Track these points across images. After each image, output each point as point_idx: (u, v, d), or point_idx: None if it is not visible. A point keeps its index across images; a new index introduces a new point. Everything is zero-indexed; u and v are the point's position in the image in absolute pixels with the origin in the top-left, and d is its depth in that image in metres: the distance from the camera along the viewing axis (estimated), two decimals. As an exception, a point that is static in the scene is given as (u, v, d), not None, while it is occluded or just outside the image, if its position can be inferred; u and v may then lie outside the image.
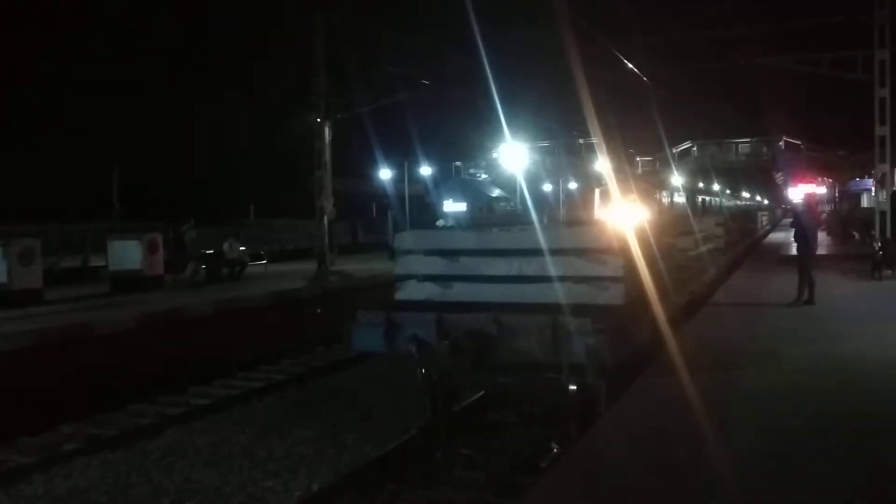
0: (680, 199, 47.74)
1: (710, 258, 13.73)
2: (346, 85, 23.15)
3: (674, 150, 46.27)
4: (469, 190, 47.64)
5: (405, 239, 8.82)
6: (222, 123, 36.66)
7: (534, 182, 43.36)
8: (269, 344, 15.11)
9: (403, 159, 33.10)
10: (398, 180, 33.16)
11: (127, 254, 17.87)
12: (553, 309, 7.28)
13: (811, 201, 17.48)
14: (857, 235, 28.24)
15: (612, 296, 7.43)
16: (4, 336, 11.31)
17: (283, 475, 8.16)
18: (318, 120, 21.76)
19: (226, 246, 20.31)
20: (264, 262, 21.92)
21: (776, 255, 22.77)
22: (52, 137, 34.32)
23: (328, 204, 21.48)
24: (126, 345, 12.86)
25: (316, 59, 21.92)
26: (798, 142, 45.14)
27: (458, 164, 48.64)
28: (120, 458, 8.89)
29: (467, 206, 43.61)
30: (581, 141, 41.63)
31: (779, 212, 77.69)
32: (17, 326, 12.07)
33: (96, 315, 13.24)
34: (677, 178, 45.01)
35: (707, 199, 56.39)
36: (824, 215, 40.16)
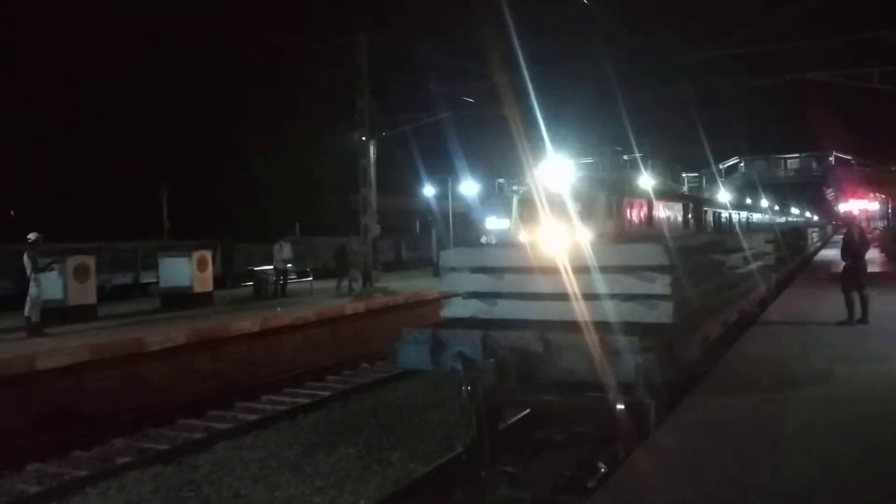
0: (728, 215, 42.53)
1: (760, 275, 13.50)
2: (390, 103, 23.43)
3: (720, 166, 45.68)
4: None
5: (450, 256, 8.86)
6: (267, 142, 37.23)
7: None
8: (313, 360, 15.25)
9: (447, 176, 33.21)
10: (442, 197, 33.25)
11: (177, 271, 18.24)
12: (600, 327, 7.23)
13: (855, 218, 17.31)
14: None
15: (661, 314, 7.35)
16: (60, 350, 11.63)
17: (329, 491, 8.21)
18: (363, 138, 22.02)
19: (276, 246, 20.61)
20: (310, 278, 22.16)
21: (827, 272, 22.29)
22: (104, 158, 35.21)
23: (372, 221, 21.69)
24: (175, 360, 13.13)
25: (360, 78, 22.22)
26: (849, 157, 44.15)
27: (501, 181, 48.70)
28: (171, 471, 9.03)
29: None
30: (625, 157, 41.31)
31: (829, 228, 76.09)
32: (73, 341, 12.41)
33: (147, 331, 13.53)
34: (724, 194, 44.33)
35: (755, 215, 54.52)
36: (877, 231, 39.15)
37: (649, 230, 25.43)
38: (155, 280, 20.30)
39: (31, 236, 13.77)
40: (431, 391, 12.24)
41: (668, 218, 29.71)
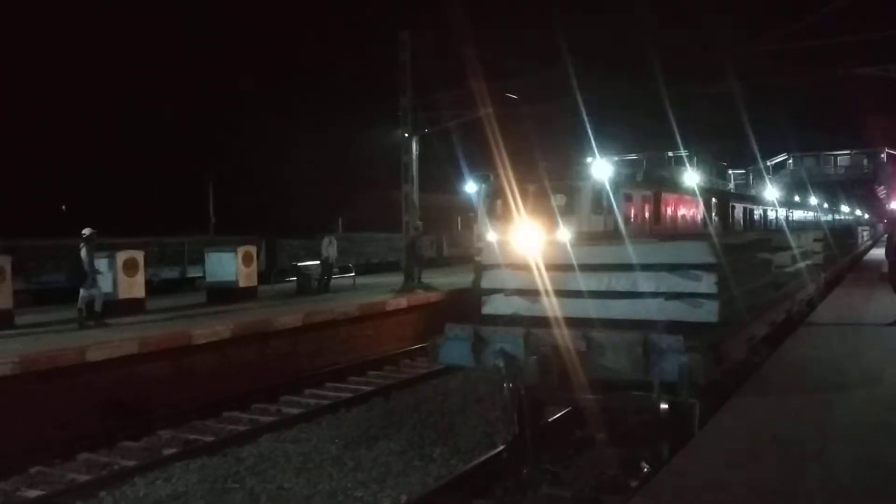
0: (762, 212, 39.69)
1: (809, 275, 13.23)
2: (432, 100, 23.43)
3: (768, 163, 44.86)
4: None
5: (493, 253, 8.85)
6: (310, 138, 37.61)
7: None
8: (354, 355, 15.37)
9: (489, 173, 33.20)
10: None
11: (222, 266, 18.52)
12: (644, 325, 7.17)
13: None
14: None
15: (707, 313, 7.25)
16: (109, 343, 11.90)
17: (371, 485, 8.27)
18: (406, 135, 22.06)
19: (325, 241, 20.84)
20: (352, 274, 22.32)
21: (878, 271, 21.74)
22: (153, 155, 35.92)
23: (414, 218, 21.72)
24: (221, 353, 13.35)
25: (403, 75, 22.25)
26: (901, 153, 43.04)
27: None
28: (216, 463, 9.18)
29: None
30: (670, 154, 40.81)
31: (880, 227, 74.18)
32: (121, 334, 12.69)
33: (193, 324, 13.77)
34: (771, 192, 43.52)
35: (797, 212, 53.07)
36: None
37: (656, 229, 22.58)
38: (201, 275, 20.65)
39: (86, 232, 14.17)
40: (473, 387, 12.25)
41: (684, 214, 26.27)
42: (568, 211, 18.68)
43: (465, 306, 10.42)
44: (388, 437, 10.03)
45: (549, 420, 9.17)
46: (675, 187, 28.98)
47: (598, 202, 19.55)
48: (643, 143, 40.28)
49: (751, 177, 47.51)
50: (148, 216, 30.02)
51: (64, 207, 39.79)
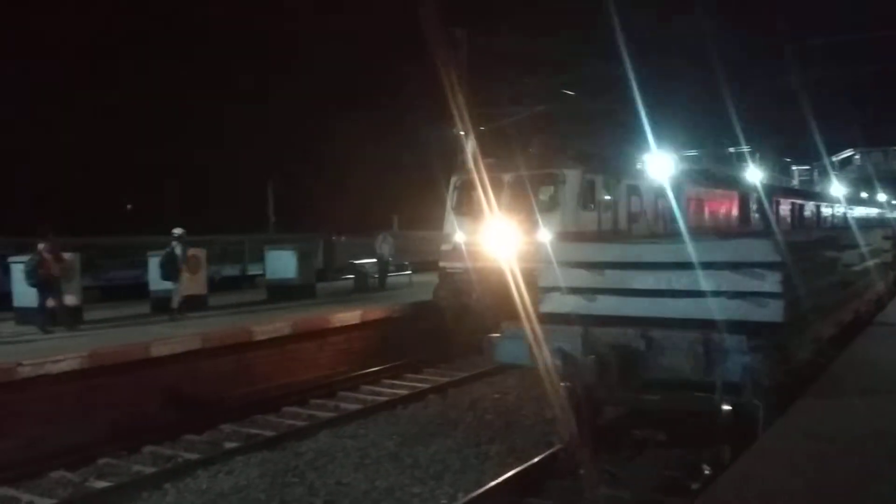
0: (814, 209, 35.67)
1: (877, 273, 12.80)
2: (488, 97, 23.39)
3: (833, 159, 43.58)
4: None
5: (549, 250, 8.79)
6: (367, 137, 37.89)
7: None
8: (410, 352, 15.44)
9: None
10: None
11: (282, 263, 18.82)
12: (705, 325, 7.03)
13: None
14: None
15: (771, 312, 7.07)
16: (173, 338, 12.22)
17: (428, 482, 8.31)
18: (461, 132, 22.08)
19: (379, 238, 21.04)
20: (409, 272, 22.42)
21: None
22: (215, 155, 36.69)
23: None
24: (281, 349, 13.57)
25: (459, 73, 22.27)
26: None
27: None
28: (276, 457, 9.33)
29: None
30: (731, 150, 39.91)
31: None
32: (186, 330, 13.03)
33: (254, 321, 14.04)
34: (837, 188, 42.24)
35: (859, 209, 51.02)
36: None
37: (671, 227, 18.77)
38: (261, 272, 21.02)
39: (178, 231, 14.94)
40: (529, 386, 12.19)
41: (713, 211, 22.51)
42: (550, 206, 15.55)
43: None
44: (444, 435, 10.06)
45: (608, 420, 9.07)
46: (705, 179, 24.57)
47: (589, 195, 16.12)
48: (704, 139, 39.46)
49: (815, 173, 46.21)
50: (209, 215, 30.68)
51: (129, 206, 40.97)
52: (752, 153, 36.83)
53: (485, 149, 18.27)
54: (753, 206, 25.54)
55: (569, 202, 15.59)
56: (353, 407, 11.73)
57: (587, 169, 16.17)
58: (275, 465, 9.04)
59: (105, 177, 35.16)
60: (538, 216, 14.86)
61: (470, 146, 18.46)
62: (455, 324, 15.29)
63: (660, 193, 18.89)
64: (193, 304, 15.80)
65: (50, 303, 13.85)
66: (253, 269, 22.89)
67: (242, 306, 16.80)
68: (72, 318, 14.07)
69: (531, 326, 7.93)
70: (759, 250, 7.31)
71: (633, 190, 17.87)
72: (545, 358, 7.68)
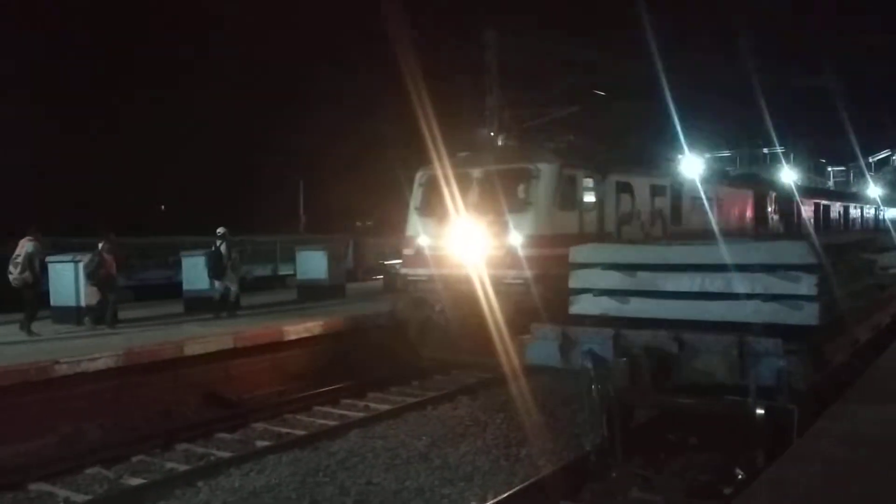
0: (841, 210, 31.86)
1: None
2: (518, 99, 23.37)
3: (870, 160, 42.88)
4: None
5: (581, 252, 8.76)
6: (398, 138, 38.02)
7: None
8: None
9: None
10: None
11: (313, 264, 18.96)
12: (739, 328, 6.97)
13: None
14: None
15: (806, 315, 6.99)
16: (206, 337, 12.36)
17: (458, 483, 8.31)
18: (492, 134, 22.10)
19: None
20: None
21: None
22: (246, 158, 37.11)
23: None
24: (312, 349, 13.67)
25: (489, 75, 22.30)
26: None
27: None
28: (308, 456, 9.39)
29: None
30: (765, 151, 39.42)
31: None
32: (218, 329, 13.17)
33: (286, 321, 14.17)
34: (872, 189, 41.51)
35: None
36: None
37: (675, 230, 16.93)
38: (292, 272, 21.18)
39: (221, 230, 15.29)
40: (560, 388, 12.14)
41: (724, 211, 20.23)
42: (521, 205, 13.61)
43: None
44: (474, 436, 10.05)
45: (639, 423, 9.01)
46: (714, 176, 22.38)
47: (568, 193, 14.06)
48: (738, 140, 39.03)
49: (851, 174, 45.50)
50: (241, 215, 31.01)
51: (163, 207, 41.53)
52: (785, 154, 36.36)
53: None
54: (772, 207, 23.39)
55: (543, 201, 13.54)
56: (383, 407, 11.77)
57: (565, 163, 14.12)
58: (306, 465, 9.10)
59: (139, 178, 35.70)
60: (507, 217, 13.24)
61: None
62: (419, 339, 13.94)
63: (657, 192, 16.83)
64: (226, 304, 16.00)
65: (111, 297, 14.52)
66: (284, 270, 23.08)
67: (274, 306, 16.96)
68: (111, 317, 14.39)
69: (562, 328, 7.91)
70: (794, 252, 7.23)
71: (624, 188, 15.67)
72: (576, 360, 7.66)
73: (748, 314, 7.16)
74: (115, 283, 14.67)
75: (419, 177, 15.23)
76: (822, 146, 42.54)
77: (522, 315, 11.63)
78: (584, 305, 8.55)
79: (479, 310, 12.53)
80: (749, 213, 21.81)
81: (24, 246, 13.64)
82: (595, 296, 8.44)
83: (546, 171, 13.68)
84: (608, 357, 7.38)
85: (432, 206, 14.53)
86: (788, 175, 32.35)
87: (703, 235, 15.75)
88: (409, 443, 9.88)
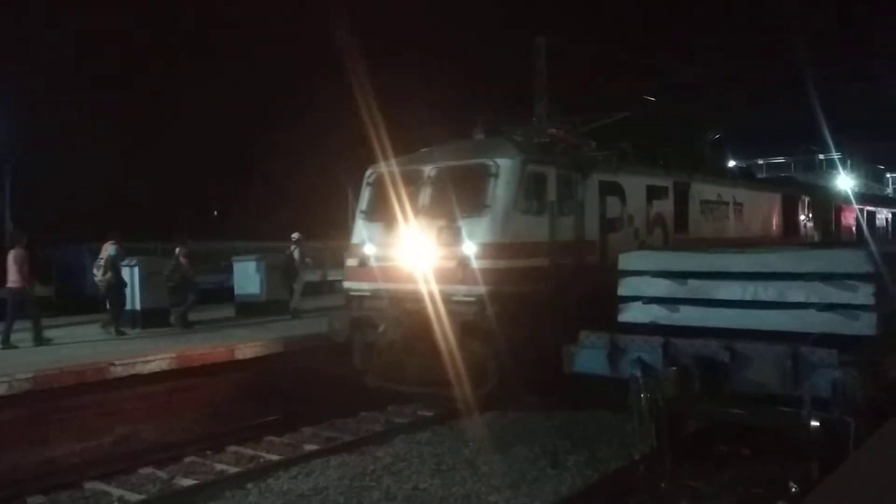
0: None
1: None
2: (568, 105, 23.28)
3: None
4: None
5: (631, 259, 8.68)
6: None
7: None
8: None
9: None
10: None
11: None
12: (793, 338, 6.82)
13: None
14: None
15: (863, 325, 6.82)
16: (253, 340, 12.57)
17: (504, 491, 8.28)
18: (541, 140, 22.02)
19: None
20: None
21: None
22: (296, 164, 37.60)
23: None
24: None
25: (539, 81, 22.26)
26: None
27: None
28: (355, 461, 9.46)
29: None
30: (821, 156, 38.53)
31: None
32: (269, 334, 13.38)
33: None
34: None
35: None
36: None
37: (673, 238, 15.02)
38: (341, 278, 21.36)
39: (296, 235, 15.76)
40: (608, 396, 12.00)
41: (744, 217, 17.97)
42: (476, 208, 11.50)
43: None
44: (521, 444, 9.99)
45: (689, 433, 8.87)
46: (732, 177, 19.32)
47: (535, 194, 11.94)
48: (793, 145, 38.21)
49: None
50: (286, 221, 31.42)
51: (216, 213, 42.31)
52: (842, 160, 35.49)
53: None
54: (806, 213, 21.19)
55: (501, 203, 11.44)
56: (429, 413, 11.78)
57: (531, 158, 12.02)
58: (353, 469, 9.16)
59: (194, 184, 36.46)
60: (459, 222, 11.38)
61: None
62: (364, 364, 12.26)
63: (656, 194, 14.85)
64: (276, 308, 16.29)
65: (190, 298, 15.46)
66: (333, 275, 23.29)
67: (323, 311, 17.13)
68: (180, 319, 14.94)
69: (610, 336, 7.84)
70: (851, 261, 7.06)
71: (611, 189, 13.45)
72: (624, 369, 7.59)
73: (802, 324, 7.03)
74: (191, 287, 15.23)
75: (367, 175, 13.31)
76: (880, 152, 41.45)
77: (473, 340, 10.91)
78: (633, 313, 8.47)
79: (426, 332, 11.04)
80: (776, 219, 19.61)
81: (107, 249, 14.70)
82: (644, 304, 8.36)
83: (506, 167, 11.63)
84: (657, 366, 7.29)
85: (380, 209, 12.67)
86: (844, 181, 31.52)
87: (714, 245, 13.41)
88: (455, 449, 9.86)
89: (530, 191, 11.85)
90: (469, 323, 10.88)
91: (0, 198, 28.37)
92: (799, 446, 7.13)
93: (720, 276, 7.89)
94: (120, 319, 14.49)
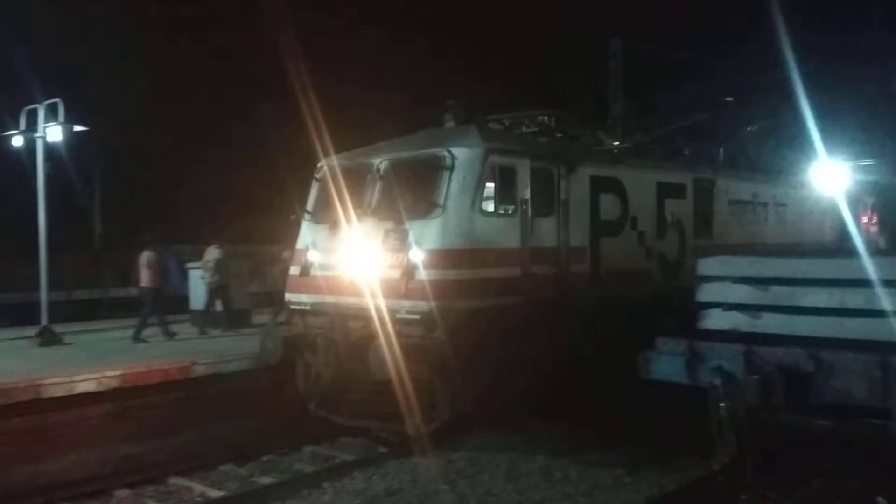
0: None
1: None
2: (644, 107, 22.92)
3: None
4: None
5: (710, 265, 8.47)
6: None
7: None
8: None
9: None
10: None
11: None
12: (883, 347, 6.55)
13: None
14: None
15: (959, 335, 6.49)
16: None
17: (579, 499, 8.21)
18: (616, 143, 21.74)
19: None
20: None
21: None
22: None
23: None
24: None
25: (614, 83, 21.98)
26: None
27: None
28: (430, 463, 9.51)
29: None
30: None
31: None
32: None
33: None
34: None
35: None
36: None
37: (692, 244, 13.30)
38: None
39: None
40: (685, 404, 11.75)
41: (788, 220, 15.99)
42: (427, 208, 10.03)
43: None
44: (596, 451, 9.87)
45: (771, 444, 8.60)
46: (767, 175, 16.41)
47: (502, 191, 10.40)
48: (882, 148, 36.60)
49: None
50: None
51: (293, 217, 43.06)
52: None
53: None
54: (870, 216, 19.11)
55: (456, 201, 9.86)
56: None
57: (495, 148, 10.33)
58: (427, 471, 9.22)
59: (271, 188, 37.14)
60: (407, 225, 9.94)
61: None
62: (306, 389, 11.09)
63: (670, 192, 12.92)
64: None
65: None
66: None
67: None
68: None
69: (689, 343, 7.68)
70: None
71: (607, 185, 11.81)
72: (703, 377, 7.42)
73: (892, 333, 6.72)
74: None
75: (317, 170, 11.74)
76: None
77: (421, 366, 9.49)
78: (712, 320, 8.26)
79: (366, 355, 9.87)
80: (830, 223, 17.67)
81: (213, 253, 15.47)
82: (724, 310, 8.15)
83: (463, 158, 9.96)
84: (738, 374, 7.10)
85: (327, 209, 11.13)
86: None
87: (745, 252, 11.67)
88: (529, 455, 9.82)
89: (495, 187, 10.32)
90: (410, 345, 9.42)
91: (90, 202, 29.63)
92: (888, 460, 6.85)
93: (805, 282, 7.63)
94: (230, 318, 15.27)
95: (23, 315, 17.57)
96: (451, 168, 9.93)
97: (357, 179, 10.82)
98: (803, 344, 7.08)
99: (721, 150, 15.91)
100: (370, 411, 10.27)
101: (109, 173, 29.99)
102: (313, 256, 10.95)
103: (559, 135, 12.44)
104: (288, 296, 11.35)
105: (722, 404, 7.16)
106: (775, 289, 7.75)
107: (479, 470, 9.25)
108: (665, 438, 10.37)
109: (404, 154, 10.79)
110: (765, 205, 15.31)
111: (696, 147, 15.36)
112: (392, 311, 9.57)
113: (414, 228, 9.85)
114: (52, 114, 15.22)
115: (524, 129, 12.46)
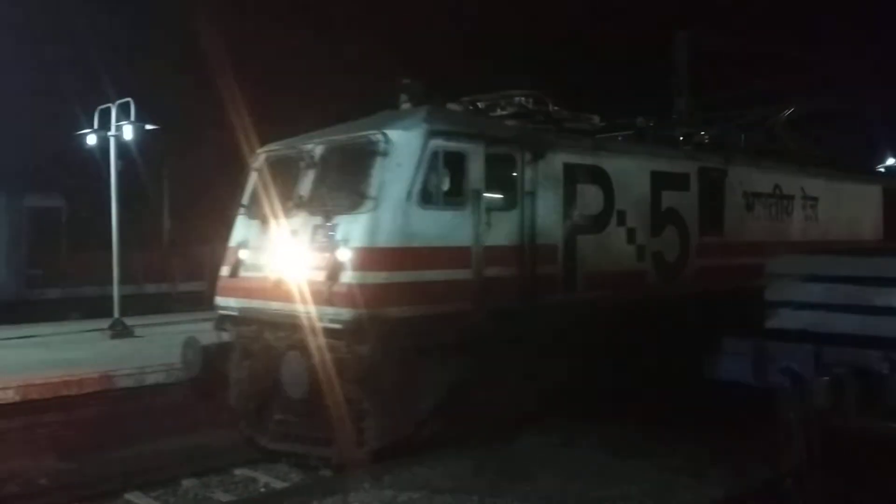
0: None
1: None
2: (709, 101, 22.50)
3: None
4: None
5: (780, 263, 8.27)
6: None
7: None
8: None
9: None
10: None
11: None
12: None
13: None
14: None
15: None
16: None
17: (643, 499, 8.11)
18: (681, 138, 21.38)
19: None
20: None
21: None
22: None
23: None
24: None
25: (679, 76, 21.62)
26: None
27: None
28: (490, 458, 9.45)
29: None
30: None
31: None
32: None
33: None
34: None
35: None
36: None
37: (696, 242, 12.21)
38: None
39: None
40: (753, 405, 11.49)
41: (820, 216, 14.53)
42: (357, 200, 8.91)
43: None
44: (660, 454, 9.72)
45: (842, 447, 8.35)
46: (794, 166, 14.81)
47: (448, 181, 9.39)
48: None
49: None
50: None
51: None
52: None
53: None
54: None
55: (390, 192, 8.70)
56: (561, 420, 11.64)
57: (439, 130, 9.08)
58: (488, 465, 9.17)
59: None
60: (335, 219, 8.82)
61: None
62: (242, 404, 9.80)
63: (668, 183, 11.62)
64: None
65: None
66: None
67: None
68: None
69: (756, 343, 7.51)
70: None
71: (586, 174, 10.56)
72: (771, 377, 7.25)
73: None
74: None
75: (254, 159, 10.58)
76: None
77: (347, 383, 8.36)
78: (781, 319, 8.05)
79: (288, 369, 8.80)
80: (872, 219, 16.00)
81: None
82: (793, 309, 7.94)
83: (399, 142, 8.77)
84: (808, 376, 6.90)
85: (260, 203, 9.96)
86: None
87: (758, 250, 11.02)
88: (591, 453, 9.73)
89: (440, 176, 9.09)
90: (337, 360, 8.31)
91: (159, 199, 30.41)
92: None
93: (878, 281, 7.37)
94: None
95: (95, 308, 18.27)
96: (385, 153, 8.76)
97: (291, 169, 9.71)
98: (878, 345, 6.85)
99: (743, 136, 14.64)
100: (297, 434, 9.24)
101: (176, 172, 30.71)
102: (243, 255, 9.92)
103: (541, 119, 11.07)
104: (217, 299, 10.26)
105: (790, 407, 6.99)
106: (847, 288, 7.52)
107: (538, 468, 9.18)
108: (728, 440, 10.19)
109: (338, 138, 9.66)
110: (790, 198, 13.90)
111: (711, 133, 14.15)
112: (315, 319, 8.53)
113: (342, 224, 8.73)
114: (123, 113, 15.68)
115: (499, 111, 11.01)
